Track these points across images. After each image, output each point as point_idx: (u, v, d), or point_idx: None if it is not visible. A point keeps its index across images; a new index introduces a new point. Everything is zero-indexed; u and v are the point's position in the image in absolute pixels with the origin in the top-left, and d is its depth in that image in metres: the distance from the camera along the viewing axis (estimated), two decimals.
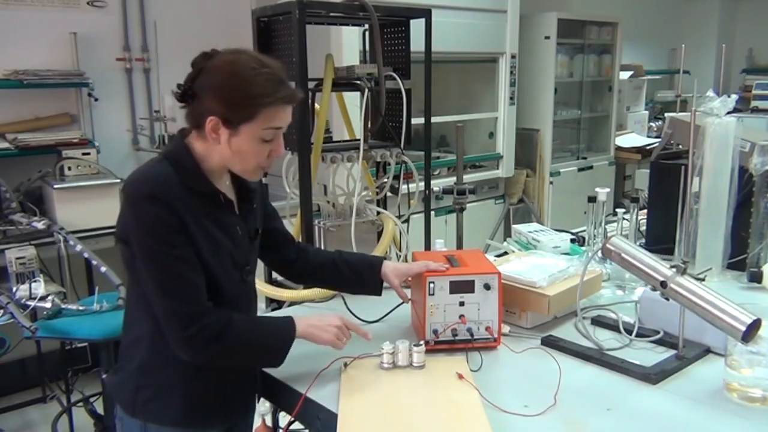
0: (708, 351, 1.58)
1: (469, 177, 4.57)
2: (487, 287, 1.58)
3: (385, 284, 1.71)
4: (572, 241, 2.42)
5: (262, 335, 1.43)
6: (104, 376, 2.60)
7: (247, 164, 1.39)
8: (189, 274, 1.32)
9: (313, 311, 1.96)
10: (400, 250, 2.29)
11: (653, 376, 1.46)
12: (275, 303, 2.13)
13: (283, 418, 1.71)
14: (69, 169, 3.20)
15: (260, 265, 1.82)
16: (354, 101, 2.41)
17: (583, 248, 2.33)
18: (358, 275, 1.71)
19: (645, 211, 2.44)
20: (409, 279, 1.72)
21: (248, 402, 1.57)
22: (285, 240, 1.71)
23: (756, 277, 2.02)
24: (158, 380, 1.42)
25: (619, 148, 5.79)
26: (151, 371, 1.42)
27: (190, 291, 1.32)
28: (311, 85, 2.12)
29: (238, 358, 1.41)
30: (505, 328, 1.71)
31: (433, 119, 2.42)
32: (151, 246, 1.30)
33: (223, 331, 1.34)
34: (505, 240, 2.57)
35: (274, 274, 2.23)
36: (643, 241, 2.36)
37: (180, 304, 1.31)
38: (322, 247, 2.13)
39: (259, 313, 2.09)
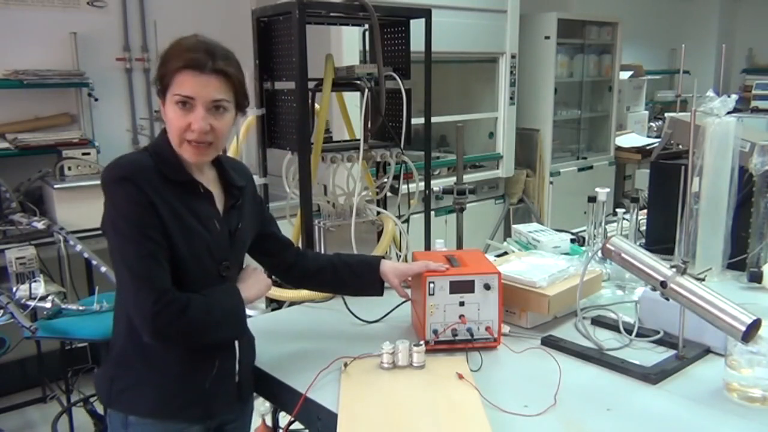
0: (708, 351, 1.58)
1: (469, 177, 4.57)
2: (487, 287, 1.58)
3: (385, 284, 1.71)
4: (572, 241, 2.42)
5: (219, 307, 1.43)
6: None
7: (174, 135, 1.41)
8: (158, 255, 1.35)
9: (313, 311, 1.96)
10: (400, 250, 2.29)
11: (653, 376, 1.46)
12: (275, 303, 2.13)
13: (283, 418, 1.71)
14: (69, 169, 3.20)
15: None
16: (354, 101, 2.42)
17: (583, 248, 2.33)
18: (358, 277, 1.71)
19: (645, 211, 2.44)
20: (409, 279, 1.72)
21: (232, 399, 1.53)
22: (282, 245, 1.71)
23: (756, 277, 2.02)
24: (132, 371, 1.44)
25: (619, 148, 5.79)
26: (126, 362, 1.45)
27: (158, 271, 1.34)
28: (311, 85, 2.12)
29: (201, 334, 1.40)
30: (505, 328, 1.71)
31: (433, 119, 2.42)
32: (122, 227, 1.34)
33: (186, 308, 1.35)
34: (505, 240, 2.57)
35: None
36: (643, 241, 2.36)
37: (148, 282, 1.33)
38: (322, 248, 2.13)
39: (258, 313, 2.10)
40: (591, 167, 5.54)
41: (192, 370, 1.44)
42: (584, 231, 2.34)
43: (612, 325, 1.74)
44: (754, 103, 6.43)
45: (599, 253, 1.65)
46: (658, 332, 1.65)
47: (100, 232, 1.45)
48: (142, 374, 1.43)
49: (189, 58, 1.37)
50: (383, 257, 1.80)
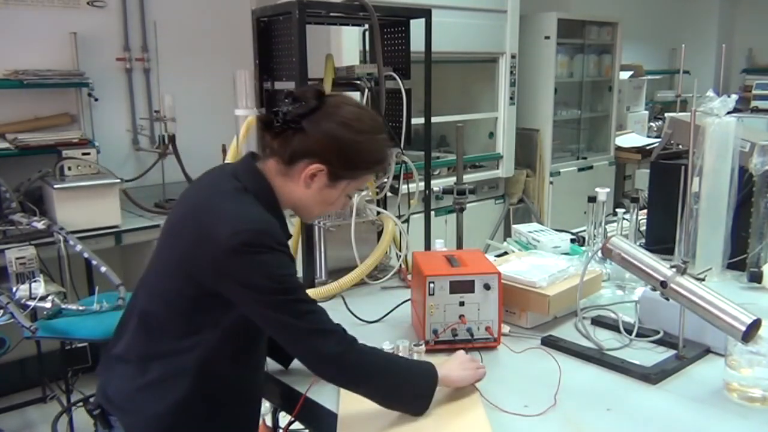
0: (708, 351, 1.58)
1: (469, 177, 4.57)
2: (487, 287, 1.58)
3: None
4: (572, 241, 2.42)
5: (405, 364, 1.39)
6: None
7: (320, 212, 1.42)
8: (317, 307, 1.31)
9: None
10: (400, 250, 2.29)
11: (653, 376, 1.46)
12: None
13: (283, 418, 1.71)
14: (69, 169, 3.20)
15: None
16: None
17: (583, 248, 2.33)
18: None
19: (645, 211, 2.44)
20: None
21: None
22: None
23: (756, 277, 2.02)
24: (198, 417, 1.34)
25: (619, 148, 5.79)
26: (192, 410, 1.33)
27: (326, 318, 1.31)
28: None
29: (382, 382, 1.31)
30: (505, 328, 1.71)
31: (433, 119, 2.41)
32: (278, 290, 1.25)
33: (371, 350, 1.33)
34: (505, 240, 2.57)
35: None
36: (643, 241, 2.36)
37: (325, 329, 1.28)
38: (323, 247, 2.14)
39: None
40: (591, 167, 5.54)
41: (255, 411, 1.45)
42: (584, 231, 2.34)
43: (612, 325, 1.74)
44: (754, 103, 6.43)
45: (599, 253, 1.65)
46: (658, 332, 1.65)
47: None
48: (207, 419, 1.36)
49: (388, 164, 1.38)
50: None
